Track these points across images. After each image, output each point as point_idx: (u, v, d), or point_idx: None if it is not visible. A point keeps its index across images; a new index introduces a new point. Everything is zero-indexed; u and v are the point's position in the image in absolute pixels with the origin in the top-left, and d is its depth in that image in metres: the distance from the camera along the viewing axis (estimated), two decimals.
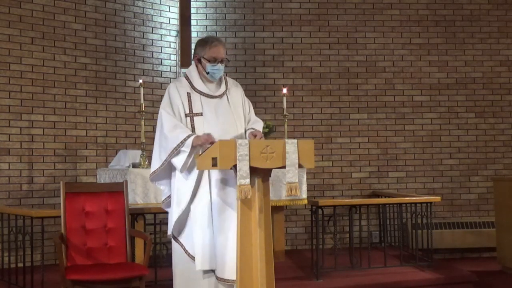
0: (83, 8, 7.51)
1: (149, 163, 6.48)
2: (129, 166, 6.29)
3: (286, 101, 7.16)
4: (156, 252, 6.32)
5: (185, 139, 4.17)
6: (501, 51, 8.70)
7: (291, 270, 6.44)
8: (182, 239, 4.40)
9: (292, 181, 3.85)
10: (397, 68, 8.53)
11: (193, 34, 8.18)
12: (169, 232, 4.50)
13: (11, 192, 6.91)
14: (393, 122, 8.49)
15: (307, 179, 6.88)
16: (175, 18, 8.27)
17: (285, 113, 7.08)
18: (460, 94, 8.61)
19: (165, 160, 4.26)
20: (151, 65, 8.08)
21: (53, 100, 7.23)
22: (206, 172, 4.23)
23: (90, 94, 7.51)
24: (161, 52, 8.18)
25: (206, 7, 8.40)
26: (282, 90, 7.24)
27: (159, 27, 8.19)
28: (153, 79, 8.06)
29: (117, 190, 4.97)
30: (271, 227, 3.92)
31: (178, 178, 4.32)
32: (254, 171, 3.78)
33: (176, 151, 4.19)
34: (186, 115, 4.31)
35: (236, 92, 4.54)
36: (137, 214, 5.52)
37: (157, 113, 4.42)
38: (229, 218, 4.14)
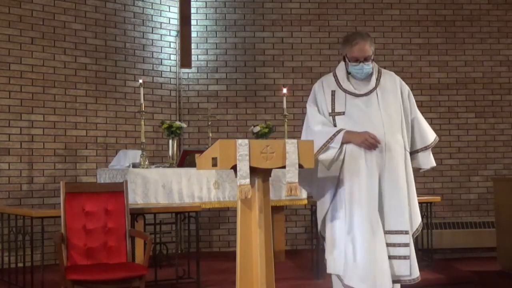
0: (83, 8, 7.52)
1: (149, 163, 6.53)
2: (129, 166, 6.29)
3: (286, 101, 7.16)
4: (156, 252, 6.32)
5: (334, 135, 4.01)
6: (501, 51, 8.70)
7: (291, 270, 6.44)
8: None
9: (292, 181, 3.85)
10: (397, 68, 8.53)
11: (193, 34, 8.18)
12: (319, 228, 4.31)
13: (11, 192, 6.91)
14: None
15: None
16: (175, 18, 8.27)
17: (285, 113, 7.08)
18: (460, 94, 8.61)
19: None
20: (151, 65, 8.08)
21: (53, 100, 7.23)
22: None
23: (90, 94, 7.51)
24: (161, 52, 8.18)
25: (206, 7, 8.40)
26: (282, 90, 7.24)
27: (159, 27, 8.19)
28: (153, 79, 8.06)
29: (117, 190, 4.97)
30: (271, 227, 3.91)
31: (320, 177, 4.15)
32: (254, 171, 3.77)
33: (325, 147, 4.04)
34: (329, 114, 4.15)
35: (392, 85, 4.22)
36: (137, 214, 5.52)
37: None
38: (357, 226, 4.00)
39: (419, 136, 4.27)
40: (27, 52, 7.07)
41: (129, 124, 7.77)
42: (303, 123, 4.35)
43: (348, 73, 4.16)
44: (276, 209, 6.77)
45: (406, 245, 4.04)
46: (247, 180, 3.72)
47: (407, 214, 4.08)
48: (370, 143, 3.97)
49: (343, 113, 4.09)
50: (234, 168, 3.74)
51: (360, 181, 4.01)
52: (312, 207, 6.17)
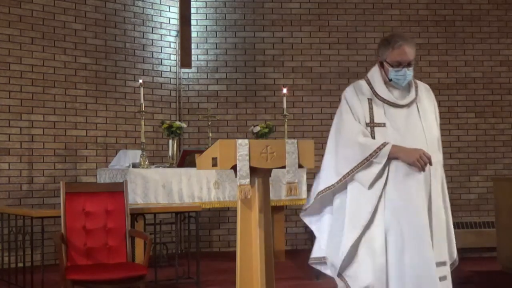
0: (83, 8, 7.52)
1: (149, 163, 6.54)
2: (129, 166, 6.29)
3: (286, 101, 7.16)
4: (156, 252, 6.32)
5: (379, 148, 3.46)
6: (501, 51, 8.70)
7: (291, 270, 6.44)
8: (348, 273, 3.56)
9: (292, 181, 3.84)
10: None
11: (193, 34, 8.19)
12: (323, 255, 3.72)
13: (11, 192, 6.91)
14: None
15: (307, 179, 6.88)
16: (175, 18, 8.27)
17: (285, 113, 7.08)
18: (460, 94, 8.61)
19: (347, 173, 3.53)
20: (151, 65, 8.08)
21: (53, 100, 7.23)
22: (382, 185, 3.52)
23: (90, 94, 7.51)
24: (161, 52, 8.18)
25: (206, 7, 8.40)
26: (282, 90, 7.24)
27: (159, 27, 8.19)
28: (153, 79, 8.06)
29: (117, 190, 4.97)
30: (271, 227, 3.91)
31: (354, 194, 3.56)
32: (254, 171, 3.77)
33: (367, 162, 3.48)
34: (366, 125, 3.58)
35: (428, 100, 3.75)
36: (137, 214, 5.52)
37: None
38: (407, 239, 3.47)
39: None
40: (27, 52, 7.07)
41: (129, 124, 7.77)
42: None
43: (390, 79, 3.64)
44: (276, 209, 6.78)
45: (444, 278, 3.58)
46: (247, 180, 3.72)
47: (447, 243, 3.65)
48: (424, 162, 3.46)
49: (384, 124, 3.57)
50: (234, 168, 3.74)
51: (410, 206, 3.48)
52: None
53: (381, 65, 3.70)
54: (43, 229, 5.25)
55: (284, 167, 3.82)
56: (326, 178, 3.66)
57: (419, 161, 3.44)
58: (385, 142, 3.48)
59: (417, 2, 8.63)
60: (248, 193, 3.73)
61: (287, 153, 3.81)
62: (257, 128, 7.10)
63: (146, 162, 6.34)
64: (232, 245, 7.86)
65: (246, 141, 3.77)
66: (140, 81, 6.60)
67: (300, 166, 3.87)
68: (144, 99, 6.58)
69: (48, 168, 7.17)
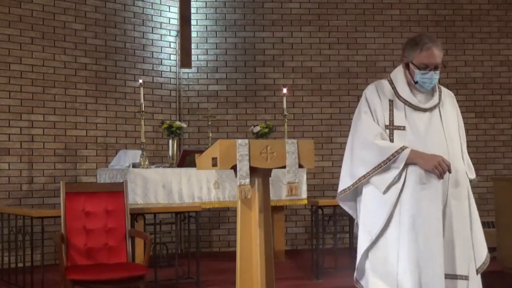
0: (83, 8, 7.52)
1: (149, 163, 6.54)
2: (129, 166, 6.29)
3: (286, 101, 7.16)
4: (156, 252, 6.32)
5: (397, 152, 3.33)
6: (501, 51, 8.70)
7: (291, 270, 6.44)
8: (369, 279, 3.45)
9: (292, 181, 3.84)
10: None
11: (193, 34, 8.19)
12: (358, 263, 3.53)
13: (11, 192, 6.91)
14: None
15: (307, 179, 6.89)
16: (175, 18, 8.27)
17: (285, 113, 7.08)
18: (460, 94, 8.60)
19: (363, 176, 3.42)
20: (151, 65, 8.08)
21: (53, 100, 7.23)
22: (400, 186, 3.38)
23: (90, 94, 7.51)
24: (161, 52, 8.18)
25: (206, 7, 8.40)
26: (282, 90, 7.24)
27: (159, 27, 8.19)
28: (153, 79, 8.06)
29: (117, 190, 4.97)
30: (271, 227, 3.91)
31: (368, 198, 3.47)
32: (254, 171, 3.77)
33: (384, 166, 3.35)
34: (385, 127, 3.45)
35: (452, 107, 3.61)
36: (137, 214, 5.52)
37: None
38: (435, 242, 3.33)
39: (467, 167, 3.63)
40: (27, 52, 7.07)
41: (129, 124, 7.77)
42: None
43: (415, 82, 3.48)
44: (276, 209, 6.77)
45: None
46: (247, 180, 3.72)
47: (467, 257, 3.46)
48: (443, 170, 3.31)
49: (403, 127, 3.43)
50: (234, 168, 3.74)
51: (424, 213, 3.34)
52: (312, 207, 6.17)
53: (406, 66, 3.55)
54: (43, 229, 5.25)
55: (284, 167, 3.82)
56: (342, 180, 3.54)
57: (438, 168, 3.30)
58: (403, 146, 3.34)
59: (417, 2, 8.63)
60: (248, 193, 3.73)
61: (287, 153, 3.81)
62: (257, 128, 7.10)
63: (146, 162, 6.34)
64: (232, 245, 7.86)
65: (246, 141, 3.77)
66: (140, 81, 6.60)
67: (300, 166, 3.87)
68: (144, 99, 6.58)
69: (48, 168, 7.17)
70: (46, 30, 7.22)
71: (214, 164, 3.78)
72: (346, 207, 3.64)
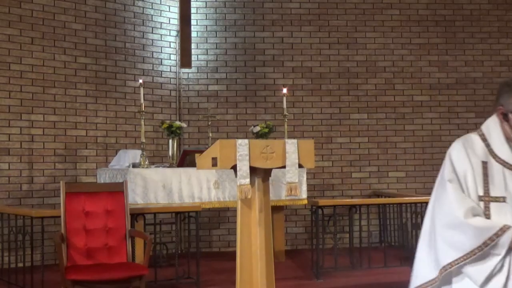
0: (83, 8, 7.51)
1: (149, 163, 6.54)
2: (129, 166, 6.29)
3: (286, 101, 7.16)
4: (156, 252, 6.32)
5: (497, 234, 2.60)
6: (501, 51, 8.70)
7: (291, 270, 6.44)
8: None
9: (292, 181, 3.84)
10: (397, 68, 8.53)
11: (193, 34, 8.19)
12: None
13: (11, 192, 6.91)
14: (393, 122, 8.49)
15: (307, 179, 6.89)
16: (175, 18, 8.27)
17: (285, 113, 7.07)
18: (460, 94, 8.61)
19: (450, 264, 2.67)
20: (151, 65, 8.08)
21: (53, 100, 7.23)
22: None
23: (90, 94, 7.51)
24: (161, 52, 8.18)
25: (206, 7, 8.40)
26: (282, 90, 7.24)
27: (159, 27, 8.19)
28: (153, 79, 8.06)
29: (117, 190, 4.97)
30: (271, 227, 3.92)
31: None
32: (254, 171, 3.78)
33: (480, 252, 2.61)
34: (479, 198, 2.72)
35: None
36: (137, 214, 5.52)
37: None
38: None
39: None
40: (27, 52, 7.07)
41: (129, 124, 7.77)
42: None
43: None
44: (276, 209, 6.77)
45: None
46: (247, 180, 3.72)
47: None
48: None
49: (503, 199, 2.70)
50: (234, 168, 3.74)
51: None
52: (312, 207, 6.17)
53: (504, 117, 2.85)
54: (43, 229, 5.25)
55: (284, 167, 3.82)
56: (423, 270, 2.79)
57: None
58: (506, 226, 2.62)
59: (417, 2, 8.63)
60: (248, 193, 3.73)
61: (287, 153, 3.81)
62: (257, 128, 7.10)
63: (146, 162, 6.34)
64: (232, 245, 7.86)
65: (246, 141, 3.77)
66: (140, 81, 6.60)
67: (300, 166, 3.87)
68: (144, 99, 6.57)
69: (48, 168, 7.17)
70: (46, 30, 7.22)
71: (214, 164, 3.78)
72: None
